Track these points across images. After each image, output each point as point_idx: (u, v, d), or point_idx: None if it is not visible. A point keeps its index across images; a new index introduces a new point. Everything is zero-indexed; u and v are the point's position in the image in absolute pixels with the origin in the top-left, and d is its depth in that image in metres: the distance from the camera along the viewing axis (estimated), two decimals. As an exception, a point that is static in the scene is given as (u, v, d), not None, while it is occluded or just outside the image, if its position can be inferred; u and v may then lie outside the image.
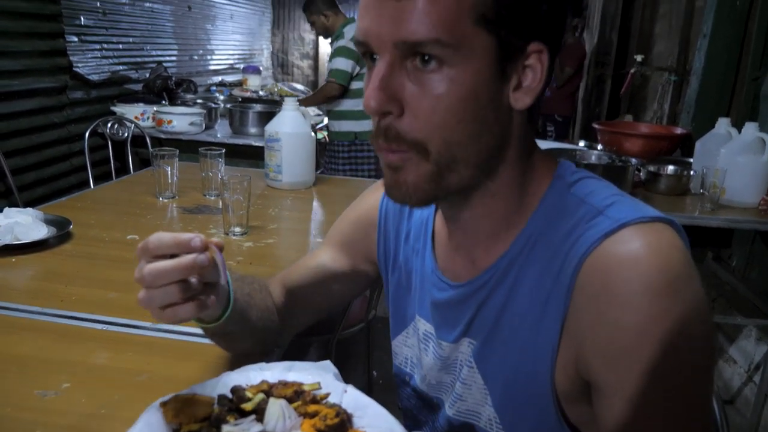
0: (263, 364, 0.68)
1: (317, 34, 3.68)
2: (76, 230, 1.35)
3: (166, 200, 1.70)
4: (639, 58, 3.91)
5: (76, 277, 1.13)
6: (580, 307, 0.56)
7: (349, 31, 3.10)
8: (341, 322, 1.53)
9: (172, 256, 0.59)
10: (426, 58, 0.52)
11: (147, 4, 3.40)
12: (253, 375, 0.66)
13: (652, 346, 0.51)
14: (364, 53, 0.57)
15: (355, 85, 3.14)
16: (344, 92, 3.10)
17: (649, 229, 0.54)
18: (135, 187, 1.87)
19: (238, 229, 1.41)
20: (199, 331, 0.92)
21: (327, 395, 0.63)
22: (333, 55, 3.14)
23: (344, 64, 3.07)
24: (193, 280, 0.60)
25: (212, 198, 1.74)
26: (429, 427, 0.76)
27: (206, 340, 0.90)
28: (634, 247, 0.53)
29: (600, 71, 5.22)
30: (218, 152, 1.73)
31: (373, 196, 0.83)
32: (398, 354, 0.81)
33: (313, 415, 0.59)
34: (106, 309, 0.99)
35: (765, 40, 2.62)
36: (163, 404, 0.59)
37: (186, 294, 0.59)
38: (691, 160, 2.49)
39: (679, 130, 3.01)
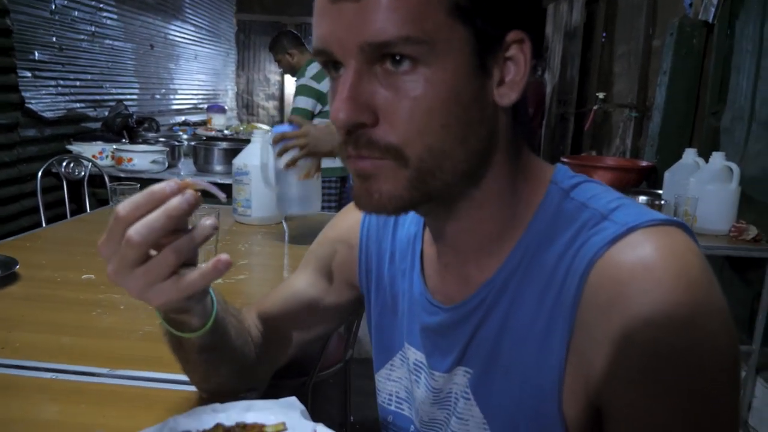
0: (216, 405, 0.60)
1: (284, 73, 3.66)
2: (23, 271, 1.23)
3: (125, 238, 1.58)
4: (601, 95, 4.01)
5: (22, 322, 1.01)
6: (588, 323, 0.49)
7: (312, 69, 3.09)
8: (318, 362, 1.43)
9: None
10: (397, 58, 0.47)
11: (107, 41, 3.32)
12: (205, 418, 0.58)
13: (673, 363, 0.45)
14: (326, 63, 0.51)
15: (317, 122, 3.11)
16: None
17: (661, 233, 0.49)
18: (91, 226, 1.75)
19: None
20: (159, 375, 0.83)
21: None
22: (295, 94, 3.13)
23: (304, 102, 3.06)
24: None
25: (176, 235, 1.63)
26: None
27: (168, 386, 0.80)
28: (645, 253, 0.47)
29: (562, 109, 5.34)
30: (183, 186, 1.63)
31: (352, 214, 0.76)
32: (381, 390, 0.72)
33: None
34: (55, 356, 0.88)
35: (721, 76, 2.71)
36: None
37: (201, 239, 0.52)
38: (659, 191, 2.53)
39: (644, 163, 3.07)
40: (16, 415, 0.73)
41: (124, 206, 0.49)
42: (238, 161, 1.78)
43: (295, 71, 3.26)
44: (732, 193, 2.13)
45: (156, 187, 0.50)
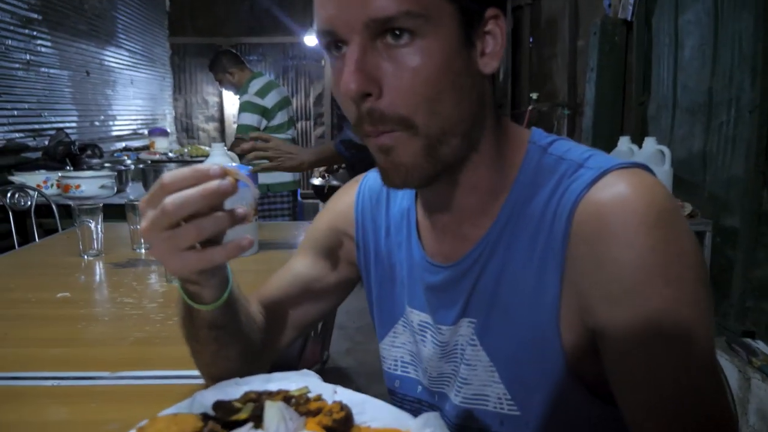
0: (238, 380, 0.63)
1: (226, 90, 3.67)
2: (-6, 295, 1.21)
3: (91, 258, 1.57)
4: (534, 95, 4.20)
5: (6, 339, 0.99)
6: (577, 256, 0.56)
7: (254, 86, 3.11)
8: (299, 361, 1.46)
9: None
10: (397, 32, 0.53)
11: (43, 69, 3.23)
12: (231, 390, 0.61)
13: (654, 277, 0.52)
14: (328, 44, 0.57)
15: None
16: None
17: (630, 173, 0.57)
18: (51, 250, 1.72)
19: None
20: (163, 373, 0.85)
21: (319, 397, 0.59)
22: (239, 111, 3.13)
23: (249, 118, 3.07)
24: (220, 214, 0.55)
25: (143, 251, 1.63)
26: None
27: (172, 381, 0.82)
28: (620, 189, 0.55)
29: (499, 112, 5.55)
30: (146, 203, 1.63)
31: (346, 195, 0.81)
32: (387, 358, 0.77)
33: (315, 413, 0.55)
34: (50, 366, 0.88)
35: (644, 68, 2.92)
36: (141, 429, 0.52)
37: (228, 223, 0.55)
38: (599, 179, 2.68)
39: (582, 155, 3.24)
40: (28, 419, 0.74)
41: (169, 175, 0.53)
42: (199, 175, 1.79)
43: (237, 89, 3.28)
44: (666, 174, 2.29)
45: (201, 167, 0.54)
